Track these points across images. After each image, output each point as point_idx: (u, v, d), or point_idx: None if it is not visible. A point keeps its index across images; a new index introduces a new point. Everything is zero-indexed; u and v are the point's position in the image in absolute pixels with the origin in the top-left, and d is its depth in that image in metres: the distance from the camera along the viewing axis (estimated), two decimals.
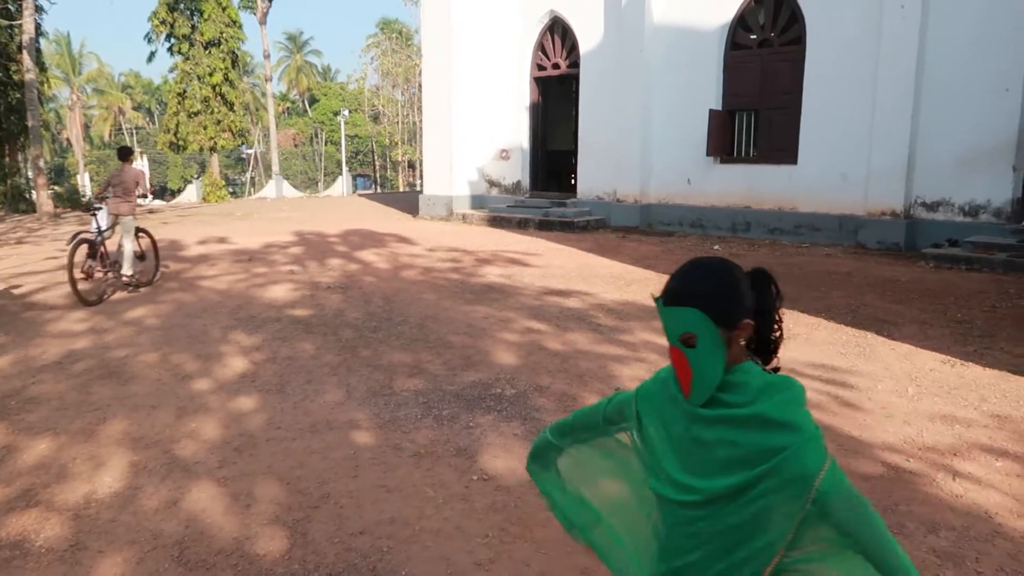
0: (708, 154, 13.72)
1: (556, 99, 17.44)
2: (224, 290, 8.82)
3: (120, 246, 8.91)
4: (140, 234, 9.36)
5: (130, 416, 4.77)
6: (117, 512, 3.52)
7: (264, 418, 4.73)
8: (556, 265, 10.61)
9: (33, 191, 21.60)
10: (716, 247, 12.27)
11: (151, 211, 22.22)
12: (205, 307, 7.89)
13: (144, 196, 9.33)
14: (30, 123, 20.54)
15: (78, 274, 8.11)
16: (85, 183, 34.96)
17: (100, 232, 8.68)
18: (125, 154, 9.48)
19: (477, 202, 17.46)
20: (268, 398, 5.10)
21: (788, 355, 6.01)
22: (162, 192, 47.90)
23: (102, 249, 8.67)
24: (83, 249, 8.41)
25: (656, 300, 1.56)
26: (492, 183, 17.57)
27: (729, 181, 13.74)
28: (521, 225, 15.17)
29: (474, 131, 17.15)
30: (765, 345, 1.58)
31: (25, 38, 19.75)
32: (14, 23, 19.21)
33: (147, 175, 28.42)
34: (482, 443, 4.32)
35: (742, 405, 1.49)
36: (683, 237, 13.59)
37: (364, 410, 4.85)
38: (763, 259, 11.08)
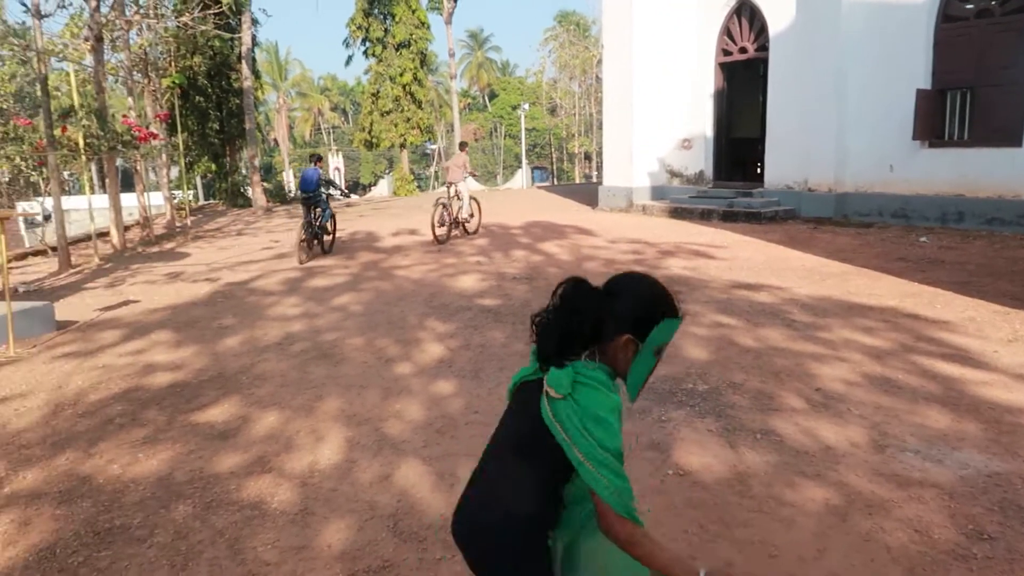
0: (914, 138, 12.60)
1: (741, 85, 16.74)
2: (417, 279, 9.31)
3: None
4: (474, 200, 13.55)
5: (343, 395, 5.17)
6: (337, 482, 3.84)
7: (462, 402, 4.96)
8: (743, 258, 10.22)
9: (249, 188, 23.92)
10: (923, 239, 11.27)
11: (349, 204, 23.89)
12: (402, 295, 8.38)
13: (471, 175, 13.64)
14: (247, 126, 22.76)
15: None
16: (290, 180, 38.20)
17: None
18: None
19: (657, 193, 17.18)
20: (464, 383, 5.33)
21: (1019, 360, 5.42)
22: (355, 187, 51.30)
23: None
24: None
25: (677, 319, 1.78)
26: (673, 173, 17.20)
27: (938, 167, 12.53)
28: (704, 216, 14.74)
29: (654, 121, 16.87)
30: None
31: (243, 49, 21.89)
32: (235, 36, 21.30)
33: (343, 172, 30.47)
34: (675, 438, 4.26)
35: None
36: (883, 228, 12.59)
37: None
38: (980, 252, 10.04)
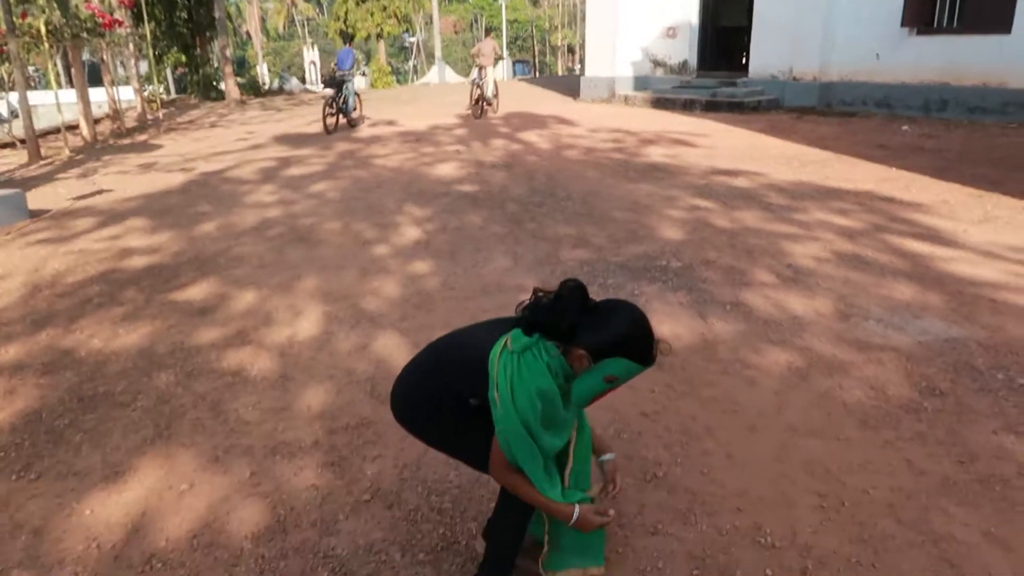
0: (903, 25, 12.33)
1: None
2: (395, 167, 9.21)
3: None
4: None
5: (320, 275, 5.20)
6: (316, 352, 3.93)
7: (439, 280, 5.01)
8: (724, 146, 10.15)
9: (222, 80, 23.12)
10: (905, 128, 11.22)
11: (324, 97, 23.26)
12: (379, 183, 8.30)
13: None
14: (217, 15, 21.78)
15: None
16: (264, 73, 36.90)
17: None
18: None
19: (640, 83, 16.83)
20: (441, 263, 5.37)
21: (987, 238, 5.53)
22: (331, 81, 49.74)
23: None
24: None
25: (638, 366, 1.86)
26: (657, 63, 16.81)
27: (925, 55, 12.33)
28: (686, 107, 14.52)
29: (639, 9, 16.32)
30: None
31: None
32: None
33: (318, 66, 29.40)
34: (648, 309, 4.31)
35: None
36: (866, 118, 12.50)
37: (532, 276, 5.01)
38: (960, 140, 10.04)
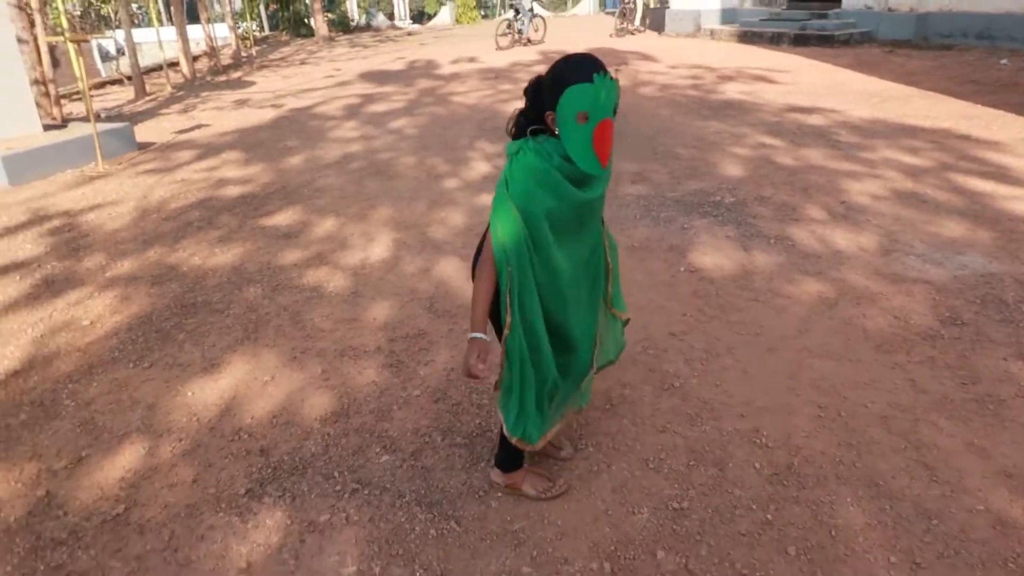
0: None
1: None
2: (472, 104, 9.50)
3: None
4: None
5: (394, 205, 5.63)
6: (384, 273, 4.36)
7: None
8: (805, 82, 9.96)
9: (311, 17, 23.69)
10: (1004, 61, 10.66)
11: (410, 33, 23.54)
12: (456, 119, 8.63)
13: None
14: None
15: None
16: (353, 9, 37.35)
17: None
18: None
19: (728, 16, 16.37)
20: None
21: None
22: (420, 16, 49.81)
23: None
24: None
25: (602, 76, 1.82)
26: None
27: None
28: (774, 40, 14.11)
29: None
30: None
31: None
32: None
33: (406, 1, 29.31)
34: (694, 242, 4.59)
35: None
36: (964, 51, 11.89)
37: None
38: None
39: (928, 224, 4.67)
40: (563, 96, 1.85)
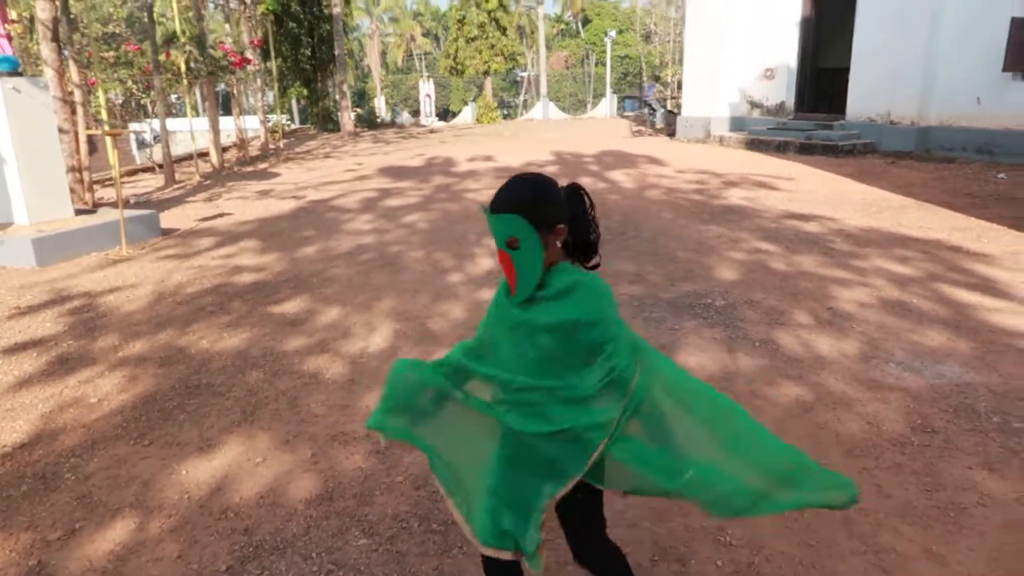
0: (1005, 69, 12.11)
1: (832, 12, 16.19)
2: (485, 201, 9.87)
3: None
4: None
5: (398, 297, 5.86)
6: (381, 362, 4.55)
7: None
8: (806, 190, 10.31)
9: (339, 113, 24.83)
10: (1001, 175, 11.00)
11: (432, 131, 24.53)
12: (467, 215, 8.99)
13: None
14: (336, 52, 23.50)
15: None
16: (381, 106, 39.05)
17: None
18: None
19: (736, 124, 17.03)
20: None
21: None
22: (444, 114, 51.83)
23: None
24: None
25: (484, 210, 1.80)
26: (753, 104, 16.97)
27: None
28: (780, 149, 14.64)
29: (737, 50, 16.60)
30: (584, 247, 1.87)
31: None
32: None
33: (433, 98, 30.63)
34: (682, 343, 4.76)
35: (551, 298, 1.79)
36: (964, 164, 12.28)
37: None
38: None
39: (911, 333, 4.82)
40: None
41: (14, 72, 7.36)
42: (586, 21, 65.55)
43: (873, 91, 14.07)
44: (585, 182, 11.25)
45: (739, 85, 16.98)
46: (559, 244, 1.83)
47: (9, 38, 7.46)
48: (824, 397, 3.93)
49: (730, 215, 8.67)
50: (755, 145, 15.25)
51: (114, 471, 3.36)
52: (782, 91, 16.40)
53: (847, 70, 15.05)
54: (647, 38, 55.23)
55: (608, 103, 31.84)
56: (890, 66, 13.62)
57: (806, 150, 14.14)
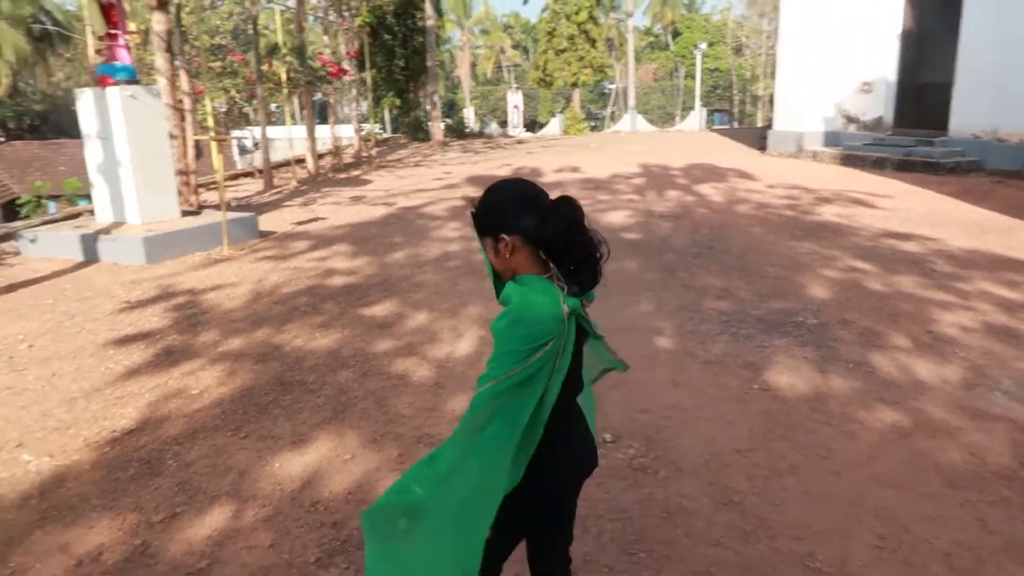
0: None
1: (935, 24, 15.51)
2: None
3: None
4: None
5: (484, 304, 5.93)
6: (467, 368, 4.61)
7: None
8: (905, 208, 9.89)
9: (429, 122, 25.35)
10: None
11: (520, 141, 24.72)
12: None
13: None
14: (428, 63, 24.01)
15: None
16: (470, 116, 39.66)
17: None
18: None
19: (830, 139, 16.48)
20: None
21: None
22: (531, 125, 52.21)
23: None
24: None
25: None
26: (849, 119, 16.40)
27: None
28: (877, 165, 14.09)
29: (832, 63, 16.07)
30: (566, 271, 1.76)
31: None
32: None
33: (521, 110, 31.02)
34: (771, 361, 4.64)
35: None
36: None
37: (669, 321, 5.43)
38: None
39: (1019, 360, 4.56)
40: None
41: (132, 80, 7.85)
42: (676, 34, 64.89)
43: (979, 107, 13.38)
44: (672, 195, 11.17)
45: (834, 99, 16.44)
46: (510, 255, 1.76)
47: (128, 49, 7.95)
48: (923, 424, 3.76)
49: (823, 232, 8.40)
50: (850, 161, 14.72)
51: (213, 460, 3.53)
52: (880, 105, 15.79)
53: (950, 85, 14.37)
54: (738, 51, 54.32)
55: (697, 116, 31.37)
56: (998, 81, 12.93)
57: (905, 167, 13.56)
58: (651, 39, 68.31)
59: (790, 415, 3.89)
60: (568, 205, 1.79)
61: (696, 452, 3.48)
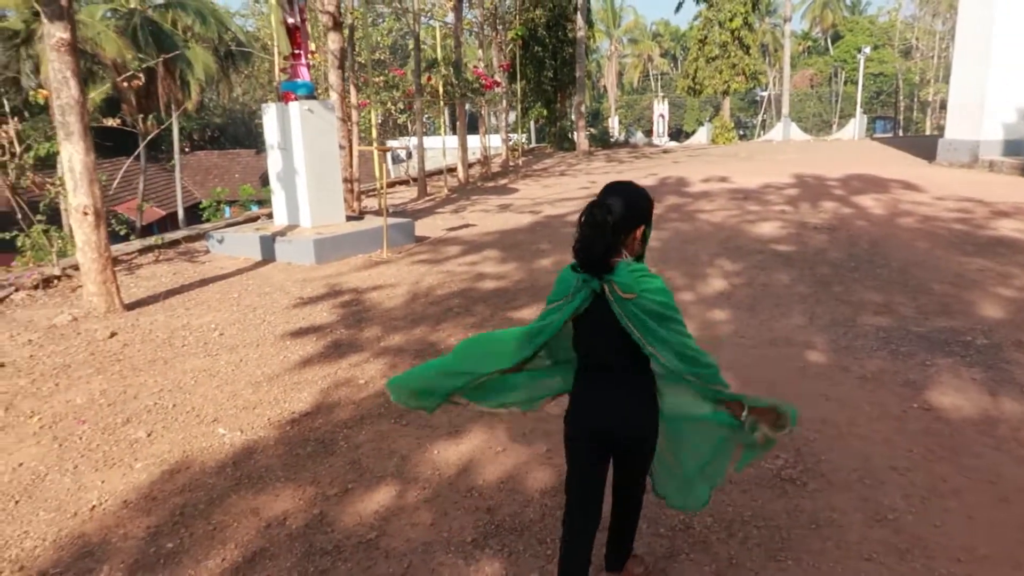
0: None
1: None
2: (718, 223, 9.77)
3: None
4: None
5: None
6: None
7: (731, 328, 5.52)
8: None
9: (574, 132, 25.63)
10: None
11: (665, 151, 24.49)
12: (699, 236, 8.95)
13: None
14: (577, 74, 24.30)
15: None
16: (614, 126, 39.65)
17: None
18: None
19: (1012, 148, 15.19)
20: (738, 314, 5.86)
21: None
22: (677, 134, 51.40)
23: None
24: None
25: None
26: None
27: None
28: None
29: (1015, 63, 14.82)
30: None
31: (579, 1, 23.26)
32: None
33: (667, 119, 30.81)
34: (934, 380, 4.43)
35: None
36: None
37: (822, 335, 5.29)
38: None
39: None
40: (651, 210, 2.34)
41: (310, 96, 8.56)
42: (837, 37, 61.76)
43: None
44: (828, 206, 10.75)
45: (1016, 104, 15.14)
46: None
47: (309, 67, 8.68)
48: None
49: (999, 248, 7.82)
50: None
51: (378, 444, 3.84)
52: None
53: None
54: (907, 54, 50.98)
55: (856, 124, 29.76)
56: None
57: None
58: (809, 43, 65.40)
59: (954, 437, 3.72)
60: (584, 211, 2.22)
61: (848, 467, 3.41)
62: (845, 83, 54.81)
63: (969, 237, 8.38)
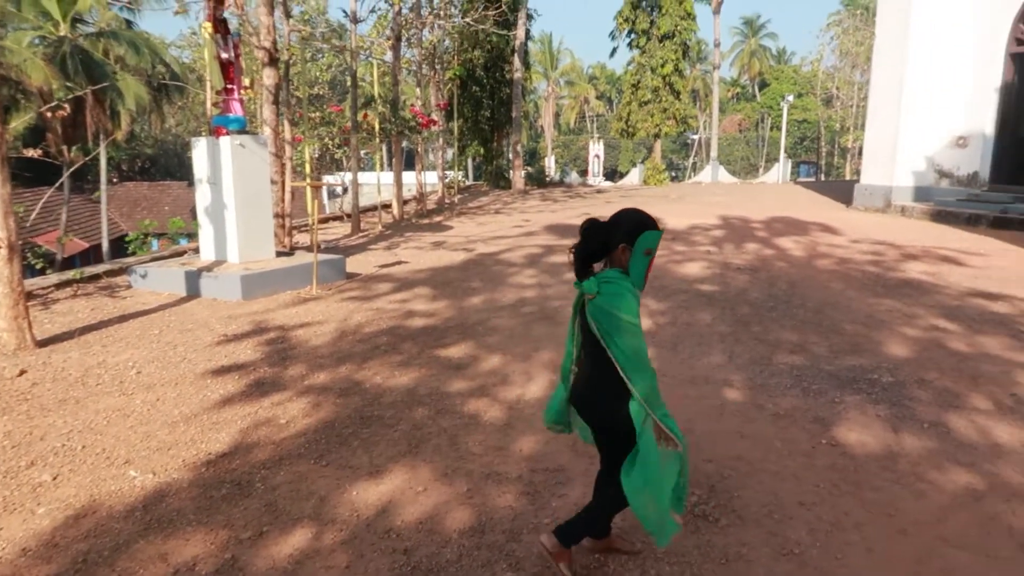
0: None
1: None
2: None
3: None
4: None
5: (556, 349, 6.10)
6: (536, 410, 4.76)
7: (655, 366, 5.63)
8: (998, 267, 9.58)
9: (511, 171, 25.96)
10: None
11: (599, 191, 25.00)
12: None
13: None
14: (514, 114, 24.69)
15: None
16: (551, 165, 40.32)
17: None
18: None
19: (921, 194, 16.06)
20: (661, 352, 6.01)
21: None
22: (611, 174, 52.56)
23: None
24: None
25: (658, 231, 2.65)
26: (942, 174, 15.97)
27: None
28: (971, 222, 13.65)
29: (924, 115, 15.74)
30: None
31: (517, 43, 23.74)
32: (510, 32, 23.23)
33: (602, 159, 31.52)
34: (841, 417, 4.62)
35: None
36: None
37: (740, 374, 5.46)
38: None
39: None
40: (641, 235, 2.63)
41: (242, 130, 8.49)
42: (763, 85, 64.55)
43: None
44: (751, 247, 11.13)
45: (925, 153, 16.07)
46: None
47: (242, 102, 8.63)
48: (998, 488, 3.69)
49: (907, 289, 8.23)
50: (942, 217, 14.32)
51: (296, 485, 3.79)
52: (975, 160, 15.35)
53: None
54: (828, 102, 53.51)
55: (780, 168, 30.99)
56: None
57: (1001, 224, 13.10)
58: (738, 90, 68.13)
59: (858, 471, 3.88)
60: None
61: (759, 502, 3.52)
62: (771, 128, 57.16)
63: (880, 279, 8.80)
